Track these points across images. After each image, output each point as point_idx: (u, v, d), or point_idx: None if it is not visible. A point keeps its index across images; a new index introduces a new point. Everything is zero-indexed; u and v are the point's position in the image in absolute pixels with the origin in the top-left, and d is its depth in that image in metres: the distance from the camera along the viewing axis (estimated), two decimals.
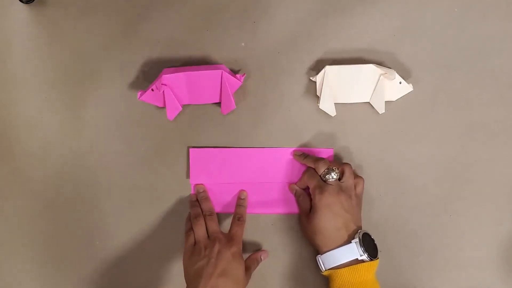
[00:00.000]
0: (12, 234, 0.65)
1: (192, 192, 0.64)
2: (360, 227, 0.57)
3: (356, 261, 0.54)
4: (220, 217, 0.64)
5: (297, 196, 0.61)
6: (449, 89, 0.62)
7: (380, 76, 0.59)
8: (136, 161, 0.64)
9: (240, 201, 0.62)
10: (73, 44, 0.65)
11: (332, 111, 0.61)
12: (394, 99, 0.61)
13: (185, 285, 0.56)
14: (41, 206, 0.65)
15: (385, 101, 0.60)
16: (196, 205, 0.62)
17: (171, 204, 0.64)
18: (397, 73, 0.59)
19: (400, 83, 0.59)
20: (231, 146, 0.63)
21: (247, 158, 0.62)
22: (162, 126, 0.64)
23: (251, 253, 0.62)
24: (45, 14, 0.65)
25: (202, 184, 0.63)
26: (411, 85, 0.60)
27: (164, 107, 0.62)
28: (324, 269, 0.56)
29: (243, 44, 0.63)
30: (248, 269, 0.58)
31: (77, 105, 0.65)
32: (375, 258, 0.55)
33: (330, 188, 0.56)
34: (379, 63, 0.61)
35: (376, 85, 0.60)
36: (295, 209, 0.62)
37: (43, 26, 0.65)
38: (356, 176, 0.59)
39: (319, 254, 0.57)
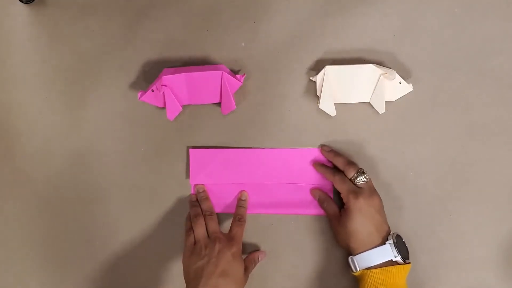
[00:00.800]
0: (12, 234, 0.65)
1: (192, 192, 0.64)
2: (390, 228, 0.57)
3: (390, 263, 0.54)
4: (220, 217, 0.64)
5: (320, 202, 0.61)
6: (449, 89, 0.62)
7: (380, 76, 0.59)
8: (136, 161, 0.64)
9: (240, 202, 0.62)
10: (73, 44, 0.65)
11: (332, 111, 0.61)
12: (394, 99, 0.61)
13: (185, 284, 0.56)
14: (41, 206, 0.65)
15: (385, 101, 0.60)
16: (195, 205, 0.62)
17: (171, 204, 0.64)
18: (397, 73, 0.59)
19: (400, 83, 0.59)
20: (231, 146, 0.63)
21: (247, 159, 0.62)
22: (162, 126, 0.64)
23: (249, 253, 0.62)
24: (45, 14, 0.65)
25: (202, 184, 0.63)
26: (411, 85, 0.60)
27: (164, 107, 0.62)
28: (357, 269, 0.55)
29: (243, 44, 0.63)
30: (246, 269, 0.58)
31: (77, 105, 0.65)
32: (407, 260, 0.55)
33: (364, 191, 0.56)
34: (379, 63, 0.61)
35: (376, 85, 0.60)
36: (295, 209, 0.62)
37: (43, 26, 0.65)
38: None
39: (351, 255, 0.57)
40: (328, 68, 0.60)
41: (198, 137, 0.64)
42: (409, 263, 0.55)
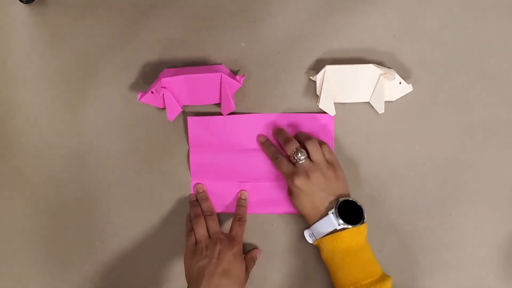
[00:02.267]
0: (12, 234, 0.66)
1: (192, 192, 0.64)
2: (343, 195, 0.57)
3: (340, 230, 0.55)
4: (220, 217, 0.64)
5: (274, 158, 0.61)
6: (449, 89, 0.62)
7: (380, 76, 0.59)
8: (136, 161, 0.64)
9: (241, 201, 0.62)
10: (73, 44, 0.65)
11: (332, 111, 0.61)
12: (394, 99, 0.61)
13: (186, 285, 0.56)
14: (41, 206, 0.65)
15: (385, 101, 0.60)
16: (196, 205, 0.62)
17: (171, 204, 0.64)
18: (397, 73, 0.59)
19: (400, 83, 0.59)
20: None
21: (248, 125, 0.62)
22: (162, 126, 0.64)
23: (246, 253, 0.62)
24: (45, 14, 0.65)
25: (201, 184, 0.63)
26: (411, 85, 0.60)
27: (164, 108, 0.62)
28: (312, 241, 0.58)
29: (243, 44, 0.63)
30: (246, 269, 0.59)
31: (77, 105, 0.65)
32: (357, 224, 0.55)
33: (300, 171, 0.57)
34: (379, 63, 0.61)
35: (376, 85, 0.60)
36: (295, 209, 0.62)
37: (43, 26, 0.65)
38: (321, 144, 0.59)
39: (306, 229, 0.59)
40: (328, 68, 0.60)
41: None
42: (360, 224, 0.55)
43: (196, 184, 0.63)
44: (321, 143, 0.59)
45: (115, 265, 0.64)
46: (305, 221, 0.59)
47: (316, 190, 0.56)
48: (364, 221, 0.56)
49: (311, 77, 0.62)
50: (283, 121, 0.62)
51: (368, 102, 0.61)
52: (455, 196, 0.62)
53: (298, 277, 0.63)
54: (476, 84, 0.61)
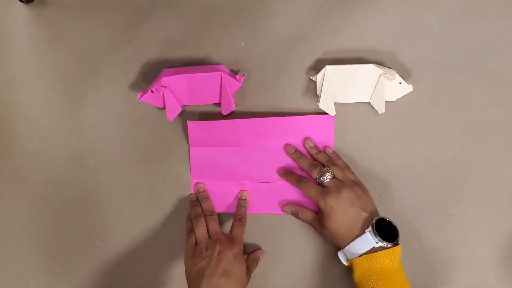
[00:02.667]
0: (12, 234, 0.66)
1: (192, 191, 0.64)
2: (374, 212, 0.56)
3: (377, 249, 0.54)
4: (220, 217, 0.64)
5: (294, 214, 0.61)
6: (449, 89, 0.62)
7: (380, 76, 0.59)
8: (136, 161, 0.64)
9: (241, 202, 0.62)
10: (73, 44, 0.65)
11: (332, 111, 0.61)
12: (394, 99, 0.61)
13: (186, 285, 0.56)
14: (41, 206, 0.65)
15: (385, 101, 0.60)
16: (196, 205, 0.62)
17: (171, 204, 0.64)
18: (397, 73, 0.59)
19: (400, 83, 0.59)
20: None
21: (245, 128, 0.62)
22: (162, 126, 0.64)
23: (249, 253, 0.62)
24: (45, 14, 0.65)
25: (202, 183, 0.63)
26: (411, 85, 0.60)
27: (164, 108, 0.62)
28: (346, 262, 0.56)
29: (243, 44, 0.63)
30: (248, 269, 0.58)
31: (77, 105, 0.65)
32: (393, 242, 0.54)
33: (330, 190, 0.56)
34: (379, 63, 0.61)
35: (376, 85, 0.60)
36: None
37: (43, 26, 0.65)
38: (345, 169, 0.59)
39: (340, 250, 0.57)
40: (328, 68, 0.60)
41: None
42: (397, 245, 0.54)
43: (196, 183, 0.63)
44: (346, 167, 0.59)
45: (115, 265, 0.64)
46: (335, 244, 0.57)
47: (348, 207, 0.55)
48: (399, 242, 0.55)
49: (311, 77, 0.62)
50: (282, 124, 0.61)
51: (368, 102, 0.61)
52: (455, 196, 0.62)
53: (299, 277, 0.63)
54: (476, 84, 0.61)
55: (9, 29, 0.65)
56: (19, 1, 0.64)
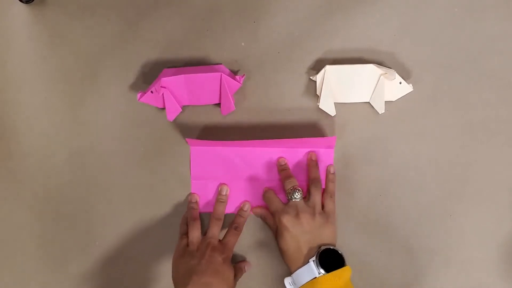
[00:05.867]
0: (11, 234, 0.65)
1: (192, 191, 0.64)
2: (325, 244, 0.55)
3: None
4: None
5: (263, 218, 0.62)
6: (449, 89, 0.62)
7: (380, 76, 0.59)
8: (136, 161, 0.64)
9: (241, 212, 0.62)
10: (73, 44, 0.65)
11: (332, 111, 0.61)
12: (394, 99, 0.61)
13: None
14: (40, 206, 0.65)
15: (385, 101, 0.60)
16: (195, 208, 0.62)
17: (171, 204, 0.64)
18: (397, 73, 0.59)
19: (400, 83, 0.60)
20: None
21: (248, 157, 0.62)
22: (162, 126, 0.64)
23: (236, 263, 0.62)
24: (45, 14, 0.65)
25: (227, 185, 0.63)
26: (411, 85, 0.60)
27: (164, 108, 0.62)
28: None
29: (243, 44, 0.63)
30: (235, 276, 0.59)
31: (77, 105, 0.65)
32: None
33: (290, 211, 0.57)
34: (379, 63, 0.61)
35: (376, 85, 0.60)
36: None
37: (43, 26, 0.65)
38: (327, 194, 0.59)
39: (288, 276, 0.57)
40: (328, 68, 0.60)
41: (198, 137, 0.64)
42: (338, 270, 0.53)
43: (221, 185, 0.63)
44: (330, 193, 0.59)
45: (115, 264, 0.64)
46: (286, 267, 0.57)
47: (301, 233, 0.55)
48: (345, 265, 0.54)
49: (311, 77, 0.62)
50: (283, 147, 0.62)
51: (368, 102, 0.61)
52: (455, 196, 0.62)
53: None
54: (476, 84, 0.61)
55: (9, 29, 0.65)
56: (19, 1, 0.64)
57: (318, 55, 0.62)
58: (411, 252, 0.62)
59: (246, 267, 0.62)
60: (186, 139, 0.61)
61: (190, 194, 0.64)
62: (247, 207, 0.62)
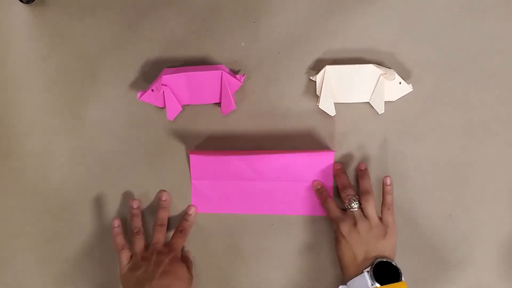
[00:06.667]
0: (11, 234, 0.66)
1: (192, 191, 0.64)
2: (382, 256, 0.54)
3: None
4: (221, 217, 0.64)
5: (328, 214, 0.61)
6: (449, 89, 0.62)
7: (380, 76, 0.59)
8: (136, 161, 0.64)
9: (186, 216, 0.63)
10: (73, 44, 0.65)
11: (331, 111, 0.61)
12: (394, 99, 0.61)
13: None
14: (40, 206, 0.65)
15: (385, 101, 0.60)
16: (139, 216, 0.62)
17: (171, 204, 0.64)
18: (397, 73, 0.59)
19: (400, 83, 0.60)
20: (231, 146, 0.63)
21: (248, 167, 0.62)
22: (162, 126, 0.64)
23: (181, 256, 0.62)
24: (45, 14, 0.65)
25: (166, 191, 0.63)
26: (410, 85, 0.60)
27: (164, 107, 0.62)
28: None
29: (243, 44, 0.63)
30: (188, 269, 0.59)
31: (77, 105, 0.65)
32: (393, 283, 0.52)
33: (348, 219, 0.56)
34: (379, 63, 0.61)
35: (376, 85, 0.60)
36: (294, 210, 0.62)
37: (43, 26, 0.65)
38: (385, 207, 0.58)
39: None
40: (328, 68, 0.60)
41: (198, 137, 0.64)
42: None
43: (161, 191, 0.63)
44: (388, 206, 0.58)
45: (115, 264, 0.64)
46: (342, 274, 0.57)
47: (360, 242, 0.55)
48: (402, 279, 0.53)
49: (311, 77, 0.62)
50: (283, 161, 0.61)
51: (368, 102, 0.61)
52: (455, 196, 0.62)
53: (298, 276, 0.63)
54: (476, 84, 0.61)
55: (9, 29, 0.65)
56: (19, 1, 0.64)
57: (318, 55, 0.62)
58: (411, 252, 0.62)
59: (188, 254, 0.62)
60: (188, 151, 0.62)
61: (131, 200, 0.63)
62: (192, 210, 0.63)
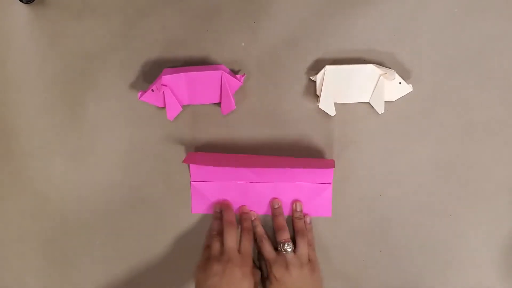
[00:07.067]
0: (11, 234, 0.66)
1: (192, 192, 0.64)
2: None
3: None
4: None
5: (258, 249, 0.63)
6: (449, 89, 0.62)
7: (380, 76, 0.59)
8: (136, 161, 0.64)
9: (244, 215, 0.63)
10: (73, 44, 0.65)
11: (331, 111, 0.61)
12: (394, 99, 0.61)
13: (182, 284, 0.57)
14: (41, 206, 0.65)
15: (385, 101, 0.60)
16: (218, 218, 0.63)
17: (170, 204, 0.64)
18: (397, 73, 0.59)
19: (400, 83, 0.60)
20: (231, 146, 0.63)
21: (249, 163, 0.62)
22: (162, 126, 0.64)
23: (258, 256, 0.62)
24: (45, 14, 0.65)
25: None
26: (410, 85, 0.60)
27: (164, 107, 0.62)
28: None
29: (243, 44, 0.63)
30: (255, 285, 0.59)
31: (77, 105, 0.65)
32: None
33: (280, 262, 0.58)
34: (379, 63, 0.61)
35: (376, 85, 0.60)
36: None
37: (43, 26, 0.65)
38: (310, 240, 0.61)
39: None
40: (328, 68, 0.60)
41: (198, 137, 0.64)
42: None
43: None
44: (310, 242, 0.61)
45: (115, 264, 0.64)
46: None
47: (291, 284, 0.57)
48: None
49: (311, 77, 0.62)
50: (283, 178, 0.62)
51: (368, 102, 0.61)
52: (455, 196, 0.62)
53: None
54: (476, 84, 0.61)
55: (9, 29, 0.65)
56: (19, 1, 0.64)
57: (318, 55, 0.62)
58: (411, 252, 0.62)
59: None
60: (185, 157, 0.61)
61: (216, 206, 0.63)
62: (246, 209, 0.63)
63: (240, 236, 0.61)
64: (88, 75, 0.64)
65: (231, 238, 0.59)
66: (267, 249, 0.60)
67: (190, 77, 0.60)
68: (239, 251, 0.59)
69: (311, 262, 0.59)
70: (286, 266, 0.58)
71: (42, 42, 0.65)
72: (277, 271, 0.58)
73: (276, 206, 0.63)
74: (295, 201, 0.63)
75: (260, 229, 0.63)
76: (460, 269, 0.61)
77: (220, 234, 0.60)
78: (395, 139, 0.62)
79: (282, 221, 0.62)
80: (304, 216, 0.62)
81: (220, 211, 0.63)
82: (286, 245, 0.59)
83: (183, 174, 0.64)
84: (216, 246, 0.59)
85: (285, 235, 0.60)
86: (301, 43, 0.62)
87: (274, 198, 0.63)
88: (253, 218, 0.63)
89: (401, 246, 0.62)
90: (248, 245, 0.60)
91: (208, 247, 0.60)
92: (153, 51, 0.64)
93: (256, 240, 0.62)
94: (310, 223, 0.62)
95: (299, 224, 0.62)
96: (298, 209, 0.62)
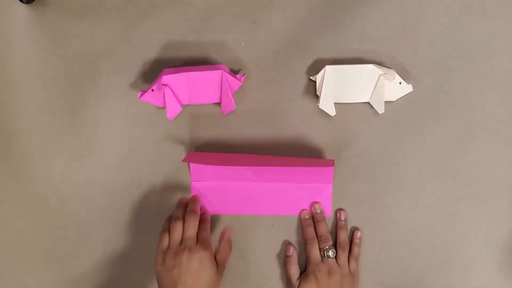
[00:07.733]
0: (11, 235, 0.65)
1: (192, 193, 0.64)
2: None
3: None
4: (221, 218, 0.64)
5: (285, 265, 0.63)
6: (449, 89, 0.62)
7: (380, 76, 0.59)
8: (136, 161, 0.64)
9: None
10: (73, 44, 0.65)
11: (331, 111, 0.61)
12: (394, 99, 0.61)
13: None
14: (40, 206, 0.65)
15: (385, 101, 0.60)
16: (182, 207, 0.61)
17: (171, 204, 0.64)
18: (397, 73, 0.59)
19: (400, 83, 0.60)
20: (231, 146, 0.63)
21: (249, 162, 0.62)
22: (162, 126, 0.64)
23: (220, 240, 0.62)
24: (45, 14, 0.65)
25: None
26: (410, 85, 0.60)
27: (164, 107, 0.62)
28: None
29: (243, 44, 0.63)
30: (220, 263, 0.59)
31: (77, 105, 0.65)
32: None
33: (324, 268, 0.59)
34: (379, 63, 0.61)
35: (376, 85, 0.60)
36: (294, 210, 0.63)
37: (43, 26, 0.65)
38: (352, 257, 0.61)
39: None
40: (328, 68, 0.60)
41: (198, 137, 0.64)
42: None
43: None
44: (355, 257, 0.61)
45: (115, 264, 0.64)
46: None
47: None
48: None
49: (311, 77, 0.62)
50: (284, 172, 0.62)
51: (368, 102, 0.61)
52: (455, 196, 0.62)
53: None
54: (476, 84, 0.61)
55: (9, 29, 0.65)
56: (19, 1, 0.64)
57: (318, 55, 0.62)
58: (411, 252, 0.62)
59: (228, 235, 0.62)
60: (185, 157, 0.61)
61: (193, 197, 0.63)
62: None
63: (198, 225, 0.59)
64: (88, 75, 0.64)
65: (191, 228, 0.58)
66: (315, 252, 0.61)
67: (190, 77, 0.60)
68: (197, 239, 0.58)
69: (353, 275, 0.60)
70: (329, 272, 0.59)
71: (42, 42, 0.65)
72: (320, 274, 0.58)
73: (319, 211, 0.62)
74: (313, 203, 0.62)
75: (312, 241, 0.62)
76: (460, 269, 0.61)
77: (181, 223, 0.59)
78: (395, 139, 0.62)
79: (325, 228, 0.62)
80: (355, 231, 0.62)
81: (185, 202, 0.62)
82: (329, 251, 0.60)
83: (183, 174, 0.64)
84: (175, 236, 0.58)
85: (328, 243, 0.61)
86: (301, 43, 0.62)
87: (315, 203, 0.62)
88: (307, 217, 0.63)
89: (401, 246, 0.62)
90: (206, 233, 0.59)
91: (164, 231, 0.59)
92: (153, 51, 0.64)
93: (306, 242, 0.62)
94: (360, 238, 0.62)
95: (341, 235, 0.62)
96: (318, 211, 0.62)
